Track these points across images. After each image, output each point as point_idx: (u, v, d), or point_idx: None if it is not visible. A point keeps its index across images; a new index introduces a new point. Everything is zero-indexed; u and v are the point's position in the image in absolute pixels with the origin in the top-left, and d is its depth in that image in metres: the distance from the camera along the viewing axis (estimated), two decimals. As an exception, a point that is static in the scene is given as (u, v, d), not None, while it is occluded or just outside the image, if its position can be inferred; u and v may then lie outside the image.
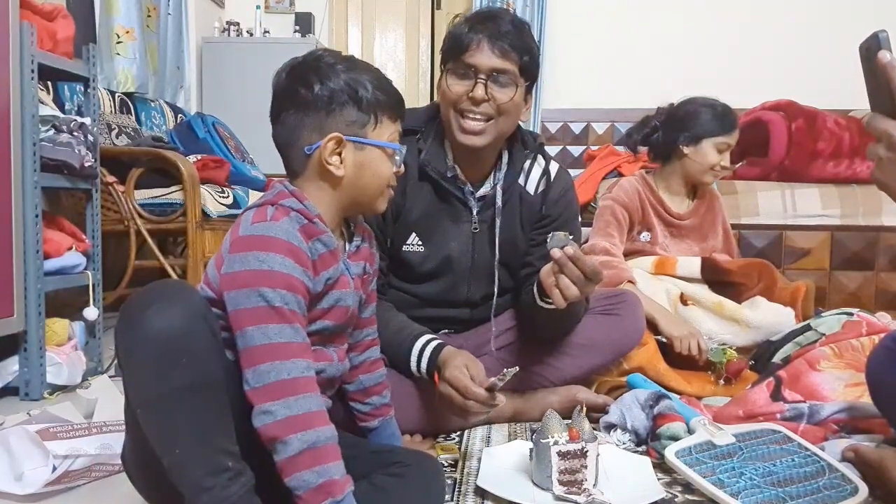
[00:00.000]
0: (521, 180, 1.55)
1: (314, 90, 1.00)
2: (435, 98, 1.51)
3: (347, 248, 1.08)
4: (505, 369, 1.22)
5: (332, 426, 0.92)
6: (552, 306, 1.31)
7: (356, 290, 1.08)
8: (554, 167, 1.58)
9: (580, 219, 2.82)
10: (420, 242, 1.49)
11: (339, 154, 1.01)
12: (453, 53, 1.41)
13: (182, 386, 0.86)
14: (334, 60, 1.03)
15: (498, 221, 1.51)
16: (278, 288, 0.92)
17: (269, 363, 0.90)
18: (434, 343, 1.38)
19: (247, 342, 0.91)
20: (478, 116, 1.41)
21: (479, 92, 1.39)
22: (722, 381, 1.82)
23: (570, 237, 1.26)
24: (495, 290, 1.53)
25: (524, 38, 1.41)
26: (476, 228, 1.52)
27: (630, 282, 1.97)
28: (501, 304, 1.59)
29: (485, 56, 1.39)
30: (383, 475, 1.02)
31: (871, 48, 0.83)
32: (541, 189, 1.56)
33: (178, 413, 0.86)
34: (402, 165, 1.09)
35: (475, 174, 1.51)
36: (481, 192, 1.52)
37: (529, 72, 1.43)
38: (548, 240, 1.27)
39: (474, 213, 1.51)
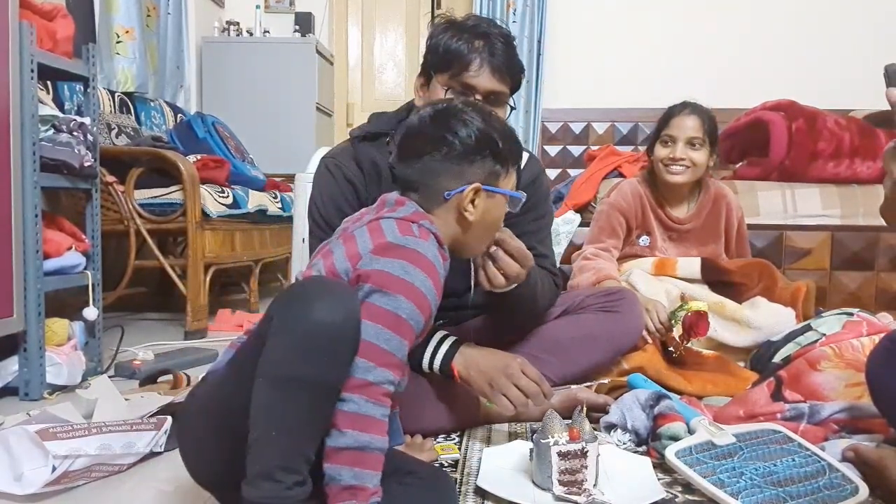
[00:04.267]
0: None
1: (460, 138, 1.09)
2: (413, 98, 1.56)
3: None
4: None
5: (386, 439, 0.95)
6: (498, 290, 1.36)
7: None
8: (524, 157, 1.61)
9: (580, 218, 2.85)
10: None
11: (473, 202, 1.10)
12: (452, 69, 1.44)
13: (314, 380, 0.89)
14: (471, 112, 1.12)
15: None
16: (412, 302, 0.97)
17: (364, 361, 0.93)
18: (450, 339, 1.41)
19: (362, 332, 0.94)
20: None
21: None
22: (678, 344, 1.80)
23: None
24: (472, 282, 1.55)
25: (516, 57, 1.49)
26: None
27: (608, 278, 1.99)
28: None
29: (485, 79, 1.44)
30: (395, 483, 1.01)
31: (892, 79, 0.84)
32: None
33: (296, 402, 0.89)
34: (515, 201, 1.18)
35: None
36: None
37: (517, 89, 1.52)
38: None
39: None
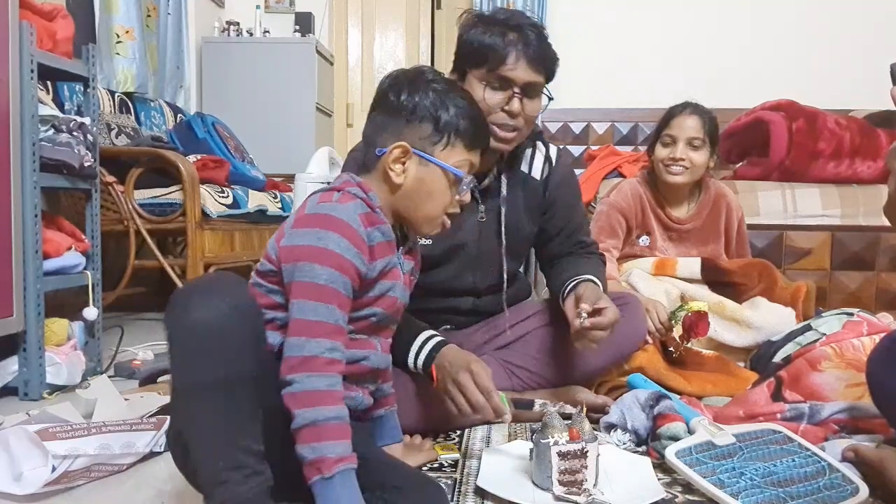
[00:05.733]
0: (523, 167, 1.60)
1: (401, 98, 1.08)
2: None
3: (402, 246, 1.13)
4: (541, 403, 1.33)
5: (339, 406, 0.95)
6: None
7: (405, 285, 1.13)
8: (554, 151, 1.64)
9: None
10: (427, 237, 1.50)
11: (404, 164, 1.07)
12: (488, 64, 1.42)
13: (212, 380, 0.89)
14: (433, 78, 1.11)
15: (503, 210, 1.55)
16: (328, 266, 0.96)
17: (296, 337, 0.95)
18: (435, 339, 1.38)
19: (290, 314, 0.96)
20: (510, 127, 1.45)
21: (516, 106, 1.43)
22: (678, 345, 1.80)
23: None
24: (504, 276, 1.58)
25: (550, 47, 1.47)
26: (482, 218, 1.56)
27: (609, 279, 1.98)
28: (510, 294, 1.63)
29: (522, 71, 1.42)
30: (377, 501, 0.98)
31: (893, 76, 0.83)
32: (545, 174, 1.61)
33: (206, 405, 0.90)
34: (469, 195, 1.15)
35: (481, 168, 1.52)
36: (485, 182, 1.55)
37: (551, 78, 1.50)
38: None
39: (479, 203, 1.55)
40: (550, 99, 1.50)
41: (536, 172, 1.60)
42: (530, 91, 1.45)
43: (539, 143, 1.62)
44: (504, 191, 1.55)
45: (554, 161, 1.62)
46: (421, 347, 1.38)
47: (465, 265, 1.57)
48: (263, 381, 0.93)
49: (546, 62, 1.45)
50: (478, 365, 1.28)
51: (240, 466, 0.89)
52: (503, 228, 1.55)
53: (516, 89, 1.43)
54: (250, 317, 0.93)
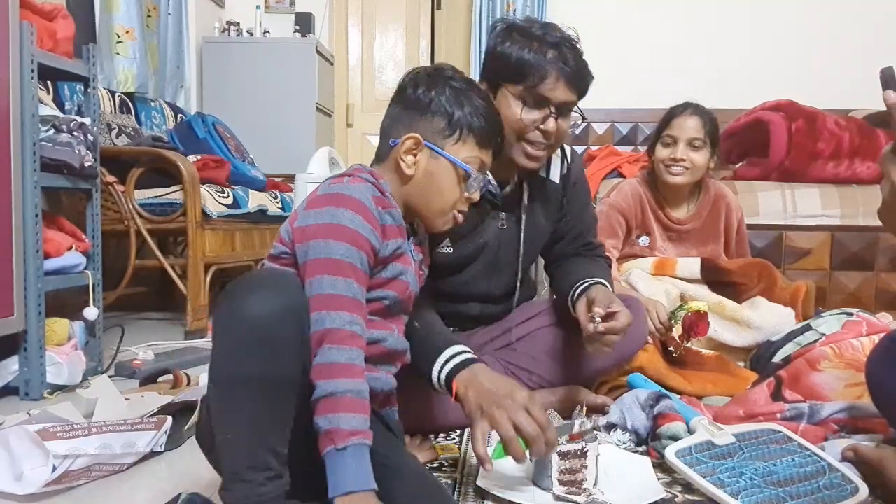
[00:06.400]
0: (542, 172, 1.58)
1: (418, 92, 1.11)
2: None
3: (412, 238, 1.14)
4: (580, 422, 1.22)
5: (358, 380, 0.94)
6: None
7: (416, 274, 1.13)
8: (569, 150, 1.64)
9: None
10: (450, 244, 1.50)
11: (415, 155, 1.09)
12: (526, 81, 1.38)
13: (256, 375, 0.89)
14: (452, 76, 1.13)
15: (524, 217, 1.55)
16: (343, 241, 0.98)
17: (316, 312, 0.95)
18: (466, 355, 1.22)
19: (308, 291, 0.96)
20: (542, 146, 1.43)
21: (552, 125, 1.40)
22: (678, 344, 1.80)
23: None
24: (517, 283, 1.58)
25: (586, 67, 1.43)
26: (503, 225, 1.55)
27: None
28: (518, 297, 1.63)
29: (561, 92, 1.39)
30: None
31: (888, 83, 0.83)
32: (563, 173, 1.61)
33: (243, 399, 0.90)
34: (478, 193, 1.15)
35: (504, 175, 1.53)
36: (507, 189, 1.54)
37: (584, 95, 1.45)
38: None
39: (501, 212, 1.54)
40: (584, 119, 1.47)
41: (555, 176, 1.60)
42: (565, 110, 1.42)
43: None
44: (525, 199, 1.55)
45: (570, 159, 1.62)
46: (448, 360, 1.23)
47: (481, 271, 1.56)
48: (301, 385, 0.93)
49: (583, 82, 1.42)
50: (529, 392, 1.14)
51: (263, 468, 0.89)
52: (522, 236, 1.55)
53: (552, 109, 1.39)
54: (301, 318, 0.93)
